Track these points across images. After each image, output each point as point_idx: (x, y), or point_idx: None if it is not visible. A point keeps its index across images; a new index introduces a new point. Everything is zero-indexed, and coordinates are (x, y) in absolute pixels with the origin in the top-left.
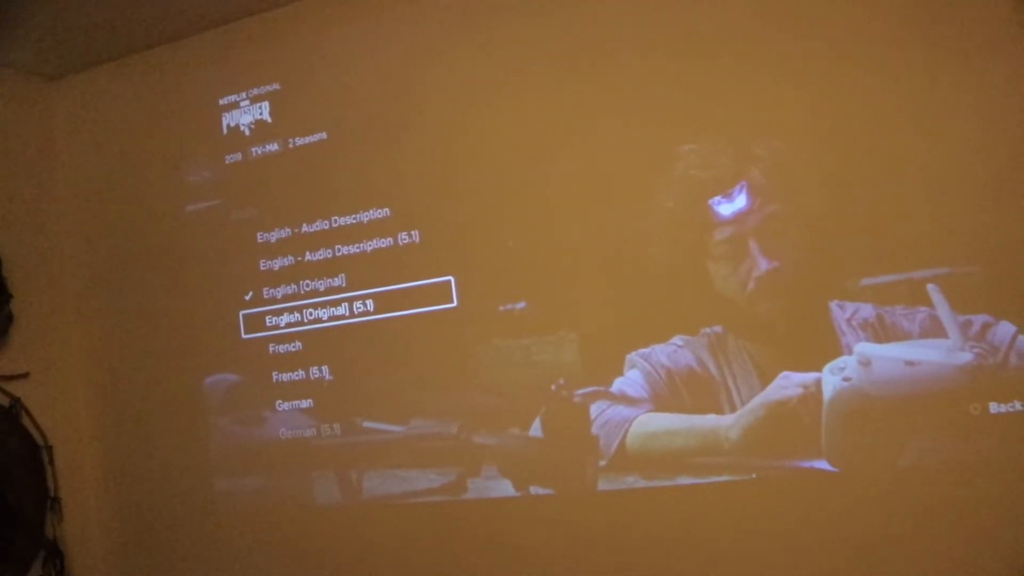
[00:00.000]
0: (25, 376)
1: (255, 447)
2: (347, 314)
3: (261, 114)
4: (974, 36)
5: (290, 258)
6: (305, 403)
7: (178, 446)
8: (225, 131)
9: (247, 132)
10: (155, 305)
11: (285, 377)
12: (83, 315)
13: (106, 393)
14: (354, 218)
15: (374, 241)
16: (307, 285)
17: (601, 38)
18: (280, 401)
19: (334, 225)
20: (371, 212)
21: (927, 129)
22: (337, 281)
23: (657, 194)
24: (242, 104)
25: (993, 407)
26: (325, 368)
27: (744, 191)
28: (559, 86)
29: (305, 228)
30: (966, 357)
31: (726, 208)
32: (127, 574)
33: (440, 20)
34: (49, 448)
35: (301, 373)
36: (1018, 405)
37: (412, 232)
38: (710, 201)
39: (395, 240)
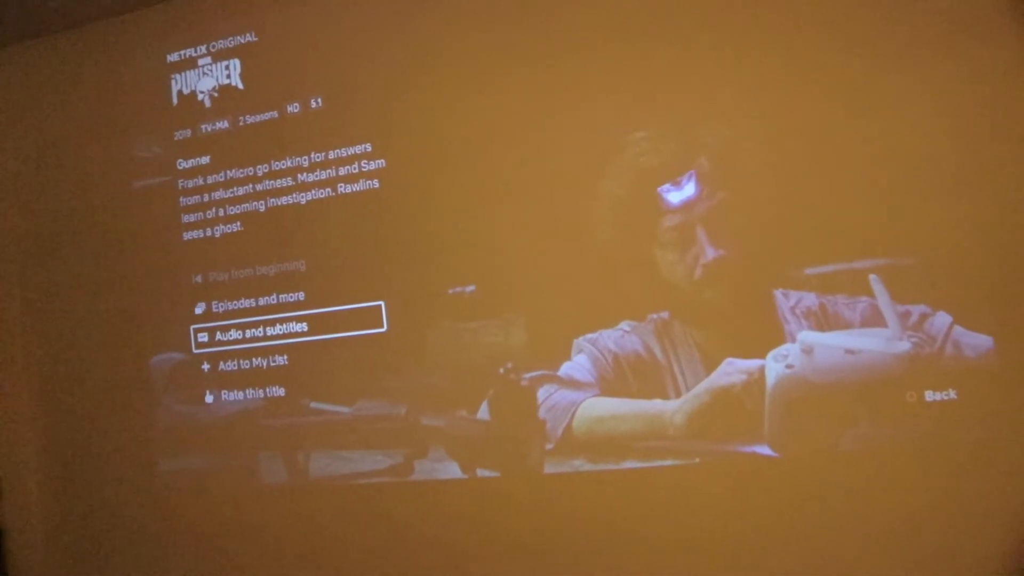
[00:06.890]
0: None
1: (201, 426)
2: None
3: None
4: (917, 32)
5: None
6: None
7: (122, 425)
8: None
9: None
10: (101, 283)
11: None
12: (25, 290)
13: (49, 370)
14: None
15: None
16: (259, 270)
17: (552, 25)
18: None
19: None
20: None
21: (872, 123)
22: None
23: (606, 180)
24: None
25: (929, 395)
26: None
27: (693, 179)
28: (510, 71)
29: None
30: (904, 346)
31: (675, 196)
32: (68, 553)
33: (388, 4)
34: None
35: None
36: (952, 393)
37: None
38: (659, 189)
39: None
